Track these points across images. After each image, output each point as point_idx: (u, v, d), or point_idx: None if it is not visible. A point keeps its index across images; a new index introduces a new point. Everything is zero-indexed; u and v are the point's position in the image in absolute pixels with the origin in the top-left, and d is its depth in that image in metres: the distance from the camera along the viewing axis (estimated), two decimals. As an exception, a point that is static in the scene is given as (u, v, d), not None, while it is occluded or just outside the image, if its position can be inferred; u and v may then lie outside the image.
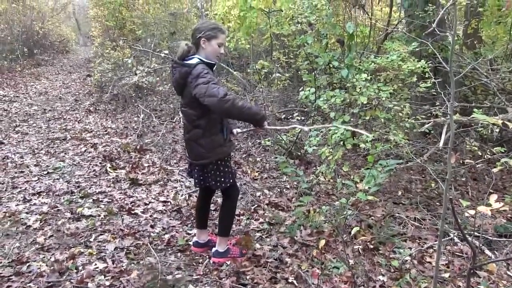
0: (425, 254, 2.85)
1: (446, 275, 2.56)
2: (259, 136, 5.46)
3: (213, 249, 2.70)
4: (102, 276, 2.43)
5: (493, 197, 1.60)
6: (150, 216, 3.36)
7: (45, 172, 4.28)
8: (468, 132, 4.35)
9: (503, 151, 3.21)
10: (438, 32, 3.17)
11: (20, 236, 2.90)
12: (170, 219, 3.31)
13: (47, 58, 14.44)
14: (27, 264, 2.52)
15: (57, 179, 4.11)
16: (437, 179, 2.60)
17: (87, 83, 10.39)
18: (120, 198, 3.69)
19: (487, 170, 4.25)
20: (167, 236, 3.00)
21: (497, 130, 3.97)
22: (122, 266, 2.55)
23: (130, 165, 4.53)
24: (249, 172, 4.43)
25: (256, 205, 3.62)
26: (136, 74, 6.96)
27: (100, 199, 3.63)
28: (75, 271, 2.49)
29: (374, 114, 3.81)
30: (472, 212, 1.71)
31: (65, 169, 4.40)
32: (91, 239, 2.89)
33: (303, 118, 5.72)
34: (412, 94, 4.31)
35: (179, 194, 3.83)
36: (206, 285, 2.43)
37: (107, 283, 2.36)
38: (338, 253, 2.77)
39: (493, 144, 3.97)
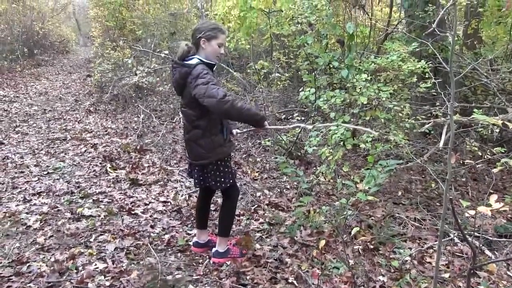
0: (425, 254, 2.85)
1: (446, 275, 2.56)
2: (259, 137, 5.46)
3: (213, 249, 2.70)
4: (102, 276, 2.43)
5: (493, 197, 1.60)
6: (150, 216, 3.36)
7: (45, 172, 4.28)
8: (468, 133, 4.35)
9: (503, 151, 3.21)
10: (438, 33, 3.17)
11: (20, 236, 2.90)
12: (170, 219, 3.31)
13: (47, 58, 14.45)
14: (27, 264, 2.53)
15: (57, 179, 4.11)
16: (437, 179, 2.60)
17: (87, 83, 10.39)
18: (120, 198, 3.70)
19: (487, 170, 4.25)
20: (167, 236, 3.00)
21: (497, 131, 3.97)
22: (122, 266, 2.55)
23: (130, 166, 4.54)
24: (249, 172, 4.43)
25: (256, 205, 3.62)
26: (136, 75, 6.96)
27: (100, 199, 3.63)
28: (75, 271, 2.49)
29: (374, 114, 3.81)
30: (472, 212, 1.71)
31: (65, 169, 4.40)
32: (91, 239, 2.89)
33: (303, 118, 5.71)
34: (412, 94, 4.31)
35: (179, 194, 3.83)
36: (206, 285, 2.43)
37: (107, 283, 2.36)
38: (338, 254, 2.77)
39: (493, 145, 3.97)
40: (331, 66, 4.10)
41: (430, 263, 2.74)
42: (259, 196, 3.84)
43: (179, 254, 2.78)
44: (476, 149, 3.58)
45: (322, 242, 2.59)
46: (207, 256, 2.74)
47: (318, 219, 3.15)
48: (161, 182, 4.12)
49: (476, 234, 3.01)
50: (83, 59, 15.98)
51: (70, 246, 2.77)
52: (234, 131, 2.70)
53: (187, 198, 3.75)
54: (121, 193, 3.82)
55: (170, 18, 9.41)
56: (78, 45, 22.35)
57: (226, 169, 2.52)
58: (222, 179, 2.50)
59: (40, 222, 3.12)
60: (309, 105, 4.56)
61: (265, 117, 2.44)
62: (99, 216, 3.28)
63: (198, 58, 2.36)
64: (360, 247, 2.88)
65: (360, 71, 3.82)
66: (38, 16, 14.44)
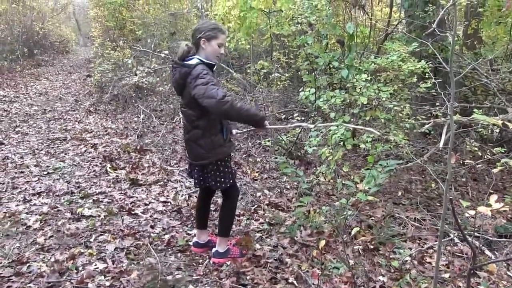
0: (425, 254, 2.85)
1: (446, 275, 2.56)
2: (259, 137, 5.46)
3: (213, 250, 2.70)
4: (102, 277, 2.43)
5: (493, 197, 1.60)
6: (150, 216, 3.36)
7: (45, 173, 4.28)
8: (468, 133, 4.35)
9: (503, 151, 3.21)
10: (438, 33, 3.17)
11: (20, 237, 2.90)
12: (170, 220, 3.31)
13: (47, 58, 14.45)
14: (27, 264, 2.53)
15: (57, 179, 4.11)
16: (437, 179, 2.60)
17: (87, 83, 10.39)
18: (120, 198, 3.70)
19: (487, 170, 4.25)
20: (167, 237, 3.00)
21: (497, 131, 3.97)
22: (122, 267, 2.55)
23: (130, 166, 4.54)
24: (249, 172, 4.43)
25: (256, 206, 3.62)
26: (136, 75, 6.96)
27: (100, 200, 3.63)
28: (75, 271, 2.49)
29: (374, 114, 3.81)
30: (472, 212, 1.71)
31: (65, 169, 4.41)
32: (91, 240, 2.89)
33: (303, 118, 5.71)
34: (412, 94, 4.31)
35: (179, 194, 3.83)
36: (206, 285, 2.43)
37: (107, 284, 2.36)
38: (338, 254, 2.77)
39: (493, 145, 3.96)
40: (331, 66, 4.10)
41: (430, 263, 2.74)
42: (259, 196, 3.84)
43: (179, 254, 2.78)
44: (476, 149, 3.58)
45: (322, 242, 2.59)
46: (207, 256, 2.74)
47: (318, 219, 3.16)
48: (161, 182, 4.12)
49: (476, 234, 3.01)
50: (83, 59, 15.98)
51: (70, 246, 2.77)
52: (234, 131, 2.70)
53: (187, 198, 3.75)
54: (121, 193, 3.82)
55: (170, 18, 9.41)
56: (78, 45, 22.36)
57: (226, 169, 2.52)
58: (222, 179, 2.50)
59: (40, 222, 3.12)
60: (309, 105, 4.56)
61: (265, 117, 2.44)
62: (99, 216, 3.28)
63: (198, 58, 2.36)
64: (360, 247, 2.88)
65: (360, 71, 3.82)
66: (38, 16, 14.45)
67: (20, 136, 5.73)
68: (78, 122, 6.66)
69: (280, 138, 4.79)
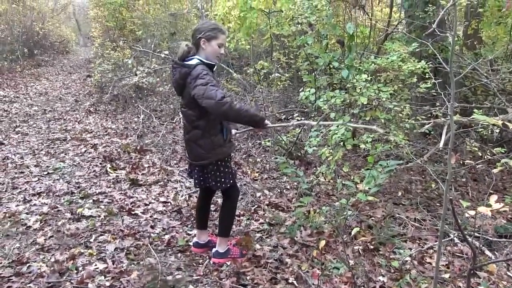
0: (425, 254, 2.85)
1: (446, 275, 2.56)
2: (259, 137, 5.46)
3: (213, 250, 2.70)
4: (102, 277, 2.43)
5: (493, 197, 1.60)
6: (150, 216, 3.36)
7: (45, 173, 4.28)
8: (468, 133, 4.35)
9: (503, 151, 3.21)
10: (438, 33, 3.16)
11: (20, 237, 2.90)
12: (170, 220, 3.31)
13: (47, 58, 14.45)
14: (27, 264, 2.53)
15: (57, 179, 4.11)
16: (437, 179, 2.60)
17: (87, 83, 10.39)
18: (120, 198, 3.70)
19: (487, 170, 4.25)
20: (167, 237, 3.00)
21: (497, 131, 3.97)
22: (122, 267, 2.55)
23: (130, 166, 4.54)
24: (249, 172, 4.43)
25: (256, 206, 3.62)
26: (136, 75, 6.96)
27: (100, 200, 3.63)
28: (75, 271, 2.49)
29: (374, 114, 3.82)
30: (472, 212, 1.71)
31: (65, 169, 4.41)
32: (91, 240, 2.89)
33: (303, 118, 5.71)
34: (412, 94, 4.31)
35: (179, 194, 3.83)
36: (206, 285, 2.43)
37: (107, 284, 2.36)
38: (338, 254, 2.77)
39: (493, 145, 3.96)
40: (331, 66, 4.10)
41: (430, 263, 2.74)
42: (259, 197, 3.84)
43: (179, 255, 2.78)
44: (476, 149, 3.58)
45: (322, 243, 2.59)
46: (207, 257, 2.74)
47: (318, 220, 3.15)
48: (161, 183, 4.12)
49: (476, 234, 3.01)
50: (83, 60, 15.99)
51: (70, 247, 2.77)
52: (233, 131, 2.70)
53: (187, 198, 3.75)
54: (121, 193, 3.82)
55: (170, 18, 9.42)
56: (78, 45, 22.37)
57: (226, 170, 2.52)
58: (222, 180, 2.50)
59: (40, 223, 3.12)
60: (309, 106, 4.56)
61: (264, 117, 2.44)
62: (99, 216, 3.28)
63: (198, 59, 2.36)
64: (360, 247, 2.88)
65: (360, 71, 3.82)
66: (38, 17, 14.45)
67: (20, 136, 5.73)
68: (78, 122, 6.66)
69: (280, 138, 4.79)
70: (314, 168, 4.34)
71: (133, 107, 7.46)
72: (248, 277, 2.50)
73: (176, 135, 5.82)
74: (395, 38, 5.39)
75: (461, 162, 3.87)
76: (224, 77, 7.53)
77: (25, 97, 8.64)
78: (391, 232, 3.04)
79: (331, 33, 4.29)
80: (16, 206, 3.43)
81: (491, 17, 5.64)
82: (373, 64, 3.86)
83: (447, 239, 3.02)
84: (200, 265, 2.65)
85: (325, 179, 3.91)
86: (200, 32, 2.38)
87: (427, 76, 3.80)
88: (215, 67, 2.49)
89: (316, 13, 4.06)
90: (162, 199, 3.73)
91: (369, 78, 3.72)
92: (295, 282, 2.46)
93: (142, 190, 3.91)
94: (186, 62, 2.36)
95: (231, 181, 2.56)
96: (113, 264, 2.59)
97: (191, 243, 2.86)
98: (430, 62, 3.95)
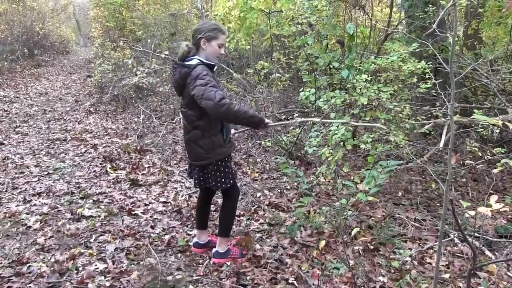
0: (425, 254, 2.85)
1: (447, 275, 2.56)
2: (259, 137, 5.46)
3: (213, 250, 2.70)
4: (102, 277, 2.43)
5: (493, 198, 1.60)
6: (150, 216, 3.36)
7: (45, 173, 4.28)
8: (469, 133, 4.35)
9: (503, 152, 3.21)
10: (438, 33, 3.17)
11: (20, 237, 2.90)
12: (170, 220, 3.31)
13: (47, 58, 14.46)
14: (27, 264, 2.53)
15: (57, 179, 4.11)
16: (438, 180, 2.60)
17: (87, 83, 10.40)
18: (120, 198, 3.70)
19: (487, 171, 4.25)
20: (167, 237, 3.00)
21: (497, 131, 3.97)
22: (122, 267, 2.55)
23: (130, 166, 4.54)
24: (249, 172, 4.43)
25: (256, 206, 3.62)
26: (136, 75, 6.96)
27: (100, 200, 3.63)
28: (75, 271, 2.49)
29: (374, 115, 3.82)
30: (472, 213, 1.71)
31: (65, 169, 4.41)
32: (91, 240, 2.89)
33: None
34: (413, 95, 4.31)
35: (179, 194, 3.83)
36: (206, 285, 2.43)
37: (107, 284, 2.36)
38: (339, 254, 2.77)
39: (493, 145, 3.97)
40: (331, 66, 4.10)
41: (430, 263, 2.74)
42: (259, 197, 3.84)
43: (179, 255, 2.78)
44: (476, 149, 3.58)
45: (322, 243, 2.60)
46: (207, 257, 2.74)
47: (318, 220, 3.15)
48: (161, 183, 4.12)
49: (476, 234, 3.01)
50: (83, 60, 16.00)
51: (70, 247, 2.77)
52: (232, 131, 2.70)
53: (187, 198, 3.75)
54: (121, 193, 3.82)
55: (170, 18, 9.42)
56: (78, 45, 22.38)
57: (227, 170, 2.52)
58: (223, 180, 2.50)
59: (40, 223, 3.12)
60: (309, 106, 4.56)
61: (263, 118, 2.43)
62: (99, 216, 3.28)
63: (198, 59, 2.36)
64: (360, 247, 2.88)
65: (360, 71, 3.82)
66: (38, 17, 14.46)
67: (20, 136, 5.73)
68: (78, 123, 6.66)
69: (280, 139, 4.79)
70: (314, 168, 4.34)
71: (133, 107, 7.46)
72: (248, 277, 2.50)
73: (176, 135, 5.82)
74: (395, 38, 5.39)
75: (461, 162, 3.87)
76: (224, 77, 7.53)
77: (25, 97, 8.64)
78: (391, 232, 3.03)
79: (331, 33, 4.29)
80: (16, 206, 3.43)
81: (491, 18, 5.64)
82: (373, 64, 3.86)
83: (447, 239, 3.02)
84: (200, 265, 2.65)
85: (325, 179, 3.91)
86: (200, 32, 2.38)
87: (427, 76, 3.80)
88: (216, 67, 2.49)
89: (316, 13, 4.06)
90: (162, 199, 3.73)
91: (369, 78, 3.72)
92: (295, 282, 2.46)
93: (142, 190, 3.92)
94: (186, 63, 2.36)
95: (231, 181, 2.56)
96: (113, 264, 2.59)
97: (191, 243, 2.86)
98: (430, 62, 3.95)
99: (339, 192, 3.66)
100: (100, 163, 4.62)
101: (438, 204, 3.65)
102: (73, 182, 4.05)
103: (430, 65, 3.88)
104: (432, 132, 4.23)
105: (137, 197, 3.74)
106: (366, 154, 3.98)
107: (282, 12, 4.99)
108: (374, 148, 3.46)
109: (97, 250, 2.75)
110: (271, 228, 3.19)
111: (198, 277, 2.50)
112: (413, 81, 3.84)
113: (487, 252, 2.88)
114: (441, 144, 3.27)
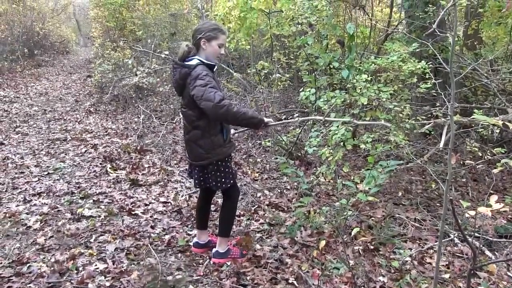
0: (425, 254, 2.85)
1: (447, 275, 2.56)
2: (259, 137, 5.47)
3: (214, 250, 2.70)
4: (103, 277, 2.43)
5: (494, 198, 1.60)
6: (151, 216, 3.36)
7: (45, 173, 4.28)
8: (469, 133, 4.35)
9: (503, 152, 3.21)
10: (439, 33, 3.16)
11: (20, 237, 2.90)
12: (171, 220, 3.31)
13: (48, 58, 14.46)
14: (28, 264, 2.53)
15: (58, 179, 4.11)
16: (438, 180, 2.60)
17: (88, 83, 10.40)
18: (120, 198, 3.70)
19: (487, 171, 4.25)
20: (167, 237, 3.00)
21: (498, 131, 3.97)
22: (123, 267, 2.55)
23: (131, 166, 4.54)
24: (249, 172, 4.43)
25: (256, 206, 3.62)
26: (136, 75, 6.96)
27: (101, 200, 3.63)
28: (76, 271, 2.49)
29: (374, 114, 3.82)
30: (472, 213, 1.71)
31: (66, 169, 4.41)
32: (92, 240, 2.90)
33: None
34: (413, 95, 4.31)
35: (179, 194, 3.83)
36: (206, 285, 2.43)
37: (107, 284, 2.36)
38: (339, 254, 2.77)
39: (493, 145, 3.96)
40: (331, 66, 4.10)
41: (430, 263, 2.74)
42: (260, 197, 3.84)
43: (179, 255, 2.78)
44: (476, 149, 3.58)
45: (323, 243, 2.60)
46: (208, 257, 2.74)
47: (318, 220, 3.15)
48: (161, 183, 4.12)
49: (476, 234, 3.01)
50: (83, 60, 16.00)
51: (71, 247, 2.77)
52: (232, 131, 2.70)
53: (187, 198, 3.75)
54: (121, 193, 3.82)
55: (170, 18, 9.41)
56: (78, 45, 22.39)
57: (227, 170, 2.52)
58: (223, 180, 2.50)
59: (40, 223, 3.12)
60: (309, 106, 4.56)
61: (263, 119, 2.43)
62: (100, 216, 3.28)
63: (198, 59, 2.36)
64: (361, 247, 2.88)
65: (361, 71, 3.82)
66: (38, 17, 14.46)
67: (20, 136, 5.73)
68: (78, 123, 6.66)
69: (280, 139, 4.79)
70: (314, 168, 4.34)
71: (133, 107, 7.46)
72: (248, 277, 2.50)
73: (176, 135, 5.82)
74: (395, 38, 5.39)
75: (461, 162, 3.87)
76: (224, 77, 7.53)
77: (25, 97, 8.64)
78: (391, 232, 3.04)
79: (331, 33, 4.29)
80: (16, 206, 3.43)
81: (491, 18, 5.64)
82: (373, 64, 3.86)
83: (447, 239, 3.02)
84: (200, 265, 2.65)
85: (325, 179, 3.91)
86: (201, 32, 2.38)
87: (427, 76, 3.80)
88: (216, 67, 2.49)
89: (316, 13, 4.06)
90: (162, 199, 3.73)
91: (369, 78, 3.72)
92: (295, 282, 2.47)
93: (142, 190, 3.92)
94: (186, 63, 2.36)
95: (231, 181, 2.56)
96: (113, 264, 2.59)
97: (191, 243, 2.87)
98: (430, 62, 3.95)
99: (339, 192, 3.66)
100: (100, 163, 4.62)
101: (438, 204, 3.65)
102: (73, 182, 4.06)
103: (430, 65, 3.88)
104: (432, 132, 4.23)
105: (137, 197, 3.74)
106: (366, 154, 3.98)
107: (282, 12, 4.99)
108: (374, 148, 3.46)
109: (97, 250, 2.75)
110: (271, 228, 3.19)
111: (198, 277, 2.50)
112: (413, 81, 3.84)
113: (487, 252, 2.88)
114: (441, 144, 3.27)
